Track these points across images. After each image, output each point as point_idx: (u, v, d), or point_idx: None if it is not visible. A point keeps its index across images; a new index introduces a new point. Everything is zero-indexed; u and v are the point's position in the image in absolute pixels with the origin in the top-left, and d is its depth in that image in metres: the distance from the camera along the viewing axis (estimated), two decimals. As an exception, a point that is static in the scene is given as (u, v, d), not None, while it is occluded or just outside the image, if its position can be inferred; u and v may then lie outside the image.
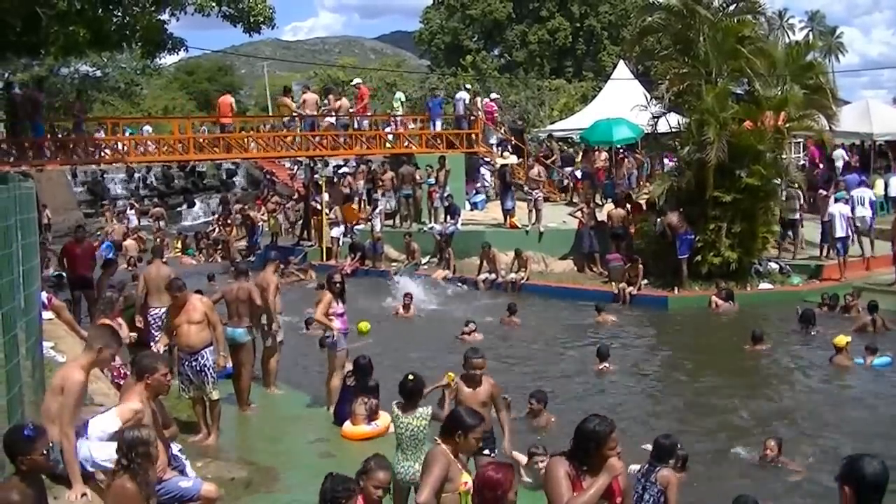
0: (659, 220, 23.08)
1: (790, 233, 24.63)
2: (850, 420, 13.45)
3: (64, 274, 20.58)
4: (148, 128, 35.06)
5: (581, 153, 34.57)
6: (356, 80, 34.95)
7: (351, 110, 32.06)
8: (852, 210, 23.64)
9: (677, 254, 22.25)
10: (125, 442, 6.44)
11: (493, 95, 38.24)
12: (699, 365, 17.20)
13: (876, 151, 33.37)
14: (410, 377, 8.60)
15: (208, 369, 11.55)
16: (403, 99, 36.31)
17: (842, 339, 16.10)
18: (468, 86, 39.86)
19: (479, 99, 35.09)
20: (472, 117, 33.20)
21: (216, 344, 11.79)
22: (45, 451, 5.92)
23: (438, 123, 33.12)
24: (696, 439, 12.08)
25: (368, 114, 31.52)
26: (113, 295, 12.35)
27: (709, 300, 21.44)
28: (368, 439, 11.42)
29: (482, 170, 33.22)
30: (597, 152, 31.72)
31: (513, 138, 34.30)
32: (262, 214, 34.95)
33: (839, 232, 23.11)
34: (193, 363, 11.53)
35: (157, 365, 7.75)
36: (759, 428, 12.88)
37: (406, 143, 32.37)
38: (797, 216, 24.49)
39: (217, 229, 35.92)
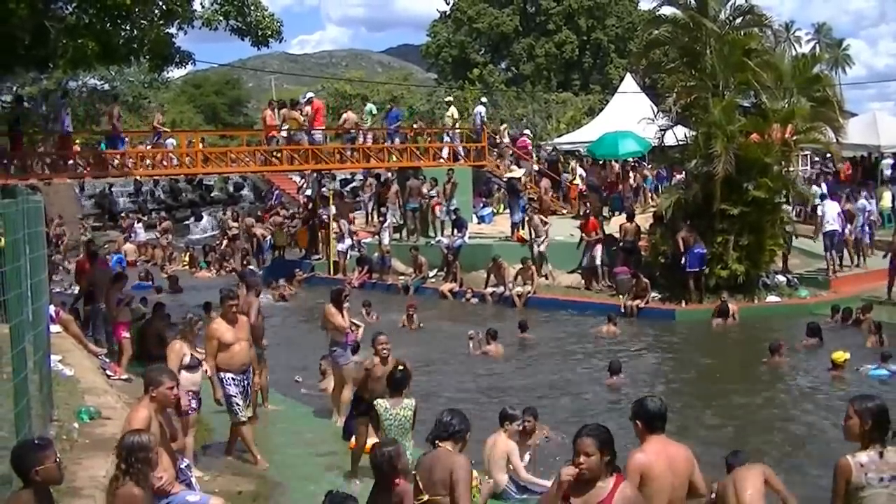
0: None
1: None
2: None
3: None
4: (172, 140, 35.14)
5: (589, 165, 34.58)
6: (309, 94, 34.53)
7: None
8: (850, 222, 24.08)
9: (686, 267, 22.20)
10: (124, 447, 6.34)
11: (527, 132, 38.57)
12: (702, 378, 17.12)
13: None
14: (400, 368, 9.72)
15: (250, 388, 11.37)
16: (375, 111, 36.13)
17: (840, 356, 16.16)
18: (484, 99, 40.05)
19: (504, 128, 35.45)
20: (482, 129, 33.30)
21: (252, 362, 11.60)
22: (56, 460, 5.87)
23: (396, 139, 32.54)
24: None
25: (324, 127, 31.00)
26: (192, 316, 11.77)
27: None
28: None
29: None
30: (609, 165, 31.87)
31: (548, 169, 34.39)
32: (269, 227, 34.92)
33: (832, 226, 23.78)
34: (245, 382, 11.20)
35: (162, 378, 7.72)
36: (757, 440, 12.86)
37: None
38: (791, 227, 24.60)
39: (224, 243, 35.90)
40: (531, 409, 12.08)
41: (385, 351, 11.00)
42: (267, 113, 31.21)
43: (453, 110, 35.06)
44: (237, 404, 11.02)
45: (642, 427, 6.32)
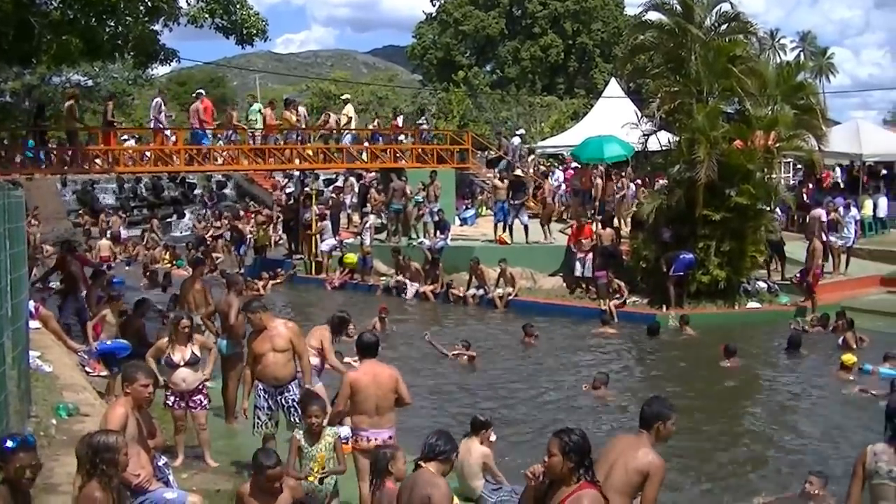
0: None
1: (775, 255, 24.68)
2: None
3: None
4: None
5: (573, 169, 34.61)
6: (199, 91, 33.63)
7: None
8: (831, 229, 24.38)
9: (670, 272, 22.20)
10: (91, 447, 6.12)
11: (574, 165, 38.68)
12: (677, 384, 16.97)
13: (866, 172, 33.49)
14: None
15: (291, 403, 10.24)
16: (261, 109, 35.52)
17: (849, 359, 16.64)
18: (522, 130, 40.06)
19: (532, 159, 36.35)
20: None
21: (302, 374, 10.48)
22: (20, 466, 5.70)
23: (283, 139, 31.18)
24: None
25: (213, 126, 30.04)
26: (176, 316, 11.46)
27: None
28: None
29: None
30: (593, 169, 31.82)
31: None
32: (251, 226, 34.89)
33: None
34: (279, 398, 10.23)
35: (137, 375, 7.69)
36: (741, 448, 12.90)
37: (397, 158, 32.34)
38: (779, 236, 24.68)
39: (211, 242, 35.85)
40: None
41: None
42: (267, 112, 31.10)
43: (349, 109, 34.30)
44: (258, 418, 10.32)
45: (357, 352, 8.89)
